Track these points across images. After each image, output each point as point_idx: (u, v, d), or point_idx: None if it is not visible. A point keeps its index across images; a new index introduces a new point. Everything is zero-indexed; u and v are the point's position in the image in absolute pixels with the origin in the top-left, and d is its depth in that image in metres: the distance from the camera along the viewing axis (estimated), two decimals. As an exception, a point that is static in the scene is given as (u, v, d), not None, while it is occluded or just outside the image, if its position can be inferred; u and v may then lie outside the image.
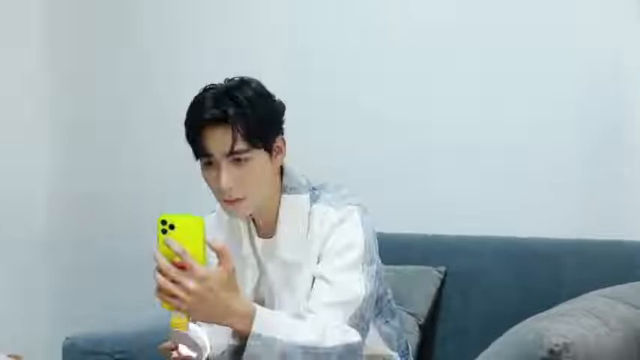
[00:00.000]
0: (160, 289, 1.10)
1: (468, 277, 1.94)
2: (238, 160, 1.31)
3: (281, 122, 1.39)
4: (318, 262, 1.36)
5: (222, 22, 2.64)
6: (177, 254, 1.10)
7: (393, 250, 1.70)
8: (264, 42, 2.54)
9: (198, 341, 1.30)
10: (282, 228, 1.40)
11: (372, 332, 1.42)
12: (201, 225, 1.13)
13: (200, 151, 1.33)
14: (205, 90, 1.36)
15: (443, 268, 1.96)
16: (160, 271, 1.10)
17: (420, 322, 1.90)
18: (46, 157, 3.02)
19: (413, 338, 1.86)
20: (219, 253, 1.15)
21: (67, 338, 2.00)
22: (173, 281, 1.10)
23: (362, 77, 2.33)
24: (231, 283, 1.15)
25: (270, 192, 1.39)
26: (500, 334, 1.43)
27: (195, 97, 1.37)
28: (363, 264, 1.33)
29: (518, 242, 1.96)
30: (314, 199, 1.40)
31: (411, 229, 2.09)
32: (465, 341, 1.85)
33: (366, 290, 1.31)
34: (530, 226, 2.00)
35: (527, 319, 1.42)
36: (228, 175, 1.30)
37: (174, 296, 1.10)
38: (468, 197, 2.15)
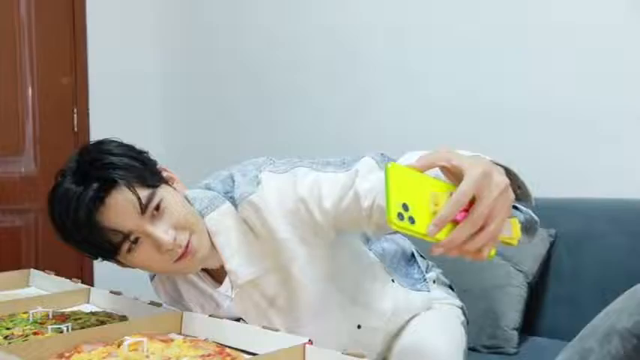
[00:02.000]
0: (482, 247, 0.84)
1: (578, 240, 1.94)
2: (157, 208, 1.15)
3: (146, 153, 1.22)
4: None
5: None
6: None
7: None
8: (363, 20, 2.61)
9: None
10: (228, 253, 1.23)
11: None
12: (410, 169, 0.85)
13: (112, 238, 1.13)
14: (56, 188, 1.17)
15: (553, 231, 1.97)
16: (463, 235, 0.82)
17: (529, 280, 1.93)
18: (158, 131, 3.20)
19: (520, 292, 1.90)
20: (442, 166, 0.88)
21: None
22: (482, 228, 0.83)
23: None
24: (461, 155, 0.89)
25: (200, 221, 1.22)
26: (611, 296, 1.43)
27: (55, 198, 1.17)
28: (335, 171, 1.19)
29: (629, 204, 1.94)
30: (236, 202, 1.23)
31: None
32: (577, 302, 1.86)
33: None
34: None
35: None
36: (161, 228, 1.15)
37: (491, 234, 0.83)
38: (578, 160, 2.13)
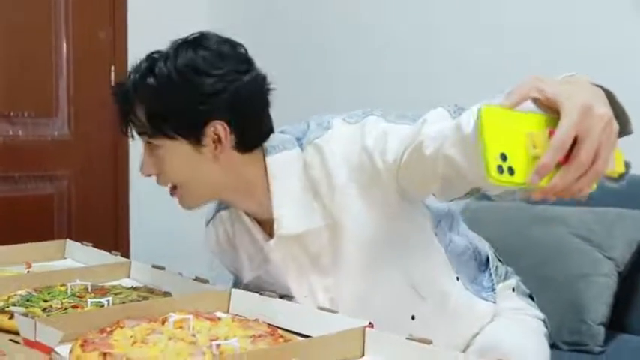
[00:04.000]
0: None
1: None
2: (149, 146, 1.32)
3: (213, 109, 1.27)
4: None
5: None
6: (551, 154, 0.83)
7: (594, 190, 1.68)
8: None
9: None
10: (278, 201, 1.32)
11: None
12: (502, 109, 0.85)
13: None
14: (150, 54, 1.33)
15: (650, 213, 1.95)
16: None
17: (619, 269, 1.91)
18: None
19: (609, 283, 1.89)
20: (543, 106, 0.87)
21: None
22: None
23: None
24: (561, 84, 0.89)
25: (223, 183, 1.33)
26: None
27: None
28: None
29: None
30: (303, 146, 1.32)
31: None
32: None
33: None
34: None
35: None
36: (147, 160, 1.33)
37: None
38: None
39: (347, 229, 1.28)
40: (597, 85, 0.90)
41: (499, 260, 1.52)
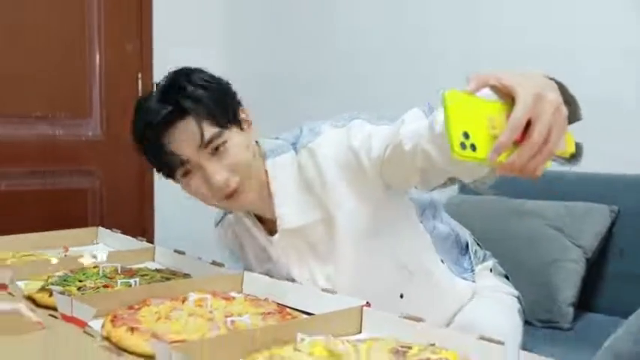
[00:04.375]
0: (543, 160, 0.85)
1: (640, 217, 1.90)
2: (217, 147, 1.22)
3: (236, 94, 1.29)
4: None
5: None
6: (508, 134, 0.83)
7: (566, 187, 1.68)
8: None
9: None
10: (280, 200, 1.30)
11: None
12: (464, 94, 0.85)
13: (171, 160, 1.22)
14: (144, 100, 1.25)
15: (616, 207, 1.94)
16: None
17: (587, 256, 1.91)
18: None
19: (577, 268, 1.89)
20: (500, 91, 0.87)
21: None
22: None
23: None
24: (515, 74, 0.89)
25: (256, 167, 1.29)
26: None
27: (137, 107, 1.25)
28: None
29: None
30: (297, 150, 1.31)
31: (586, 167, 2.06)
32: (635, 280, 1.84)
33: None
34: None
35: None
36: (216, 166, 1.22)
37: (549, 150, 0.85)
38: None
39: (340, 221, 1.28)
40: (550, 78, 0.91)
41: (478, 245, 1.51)
